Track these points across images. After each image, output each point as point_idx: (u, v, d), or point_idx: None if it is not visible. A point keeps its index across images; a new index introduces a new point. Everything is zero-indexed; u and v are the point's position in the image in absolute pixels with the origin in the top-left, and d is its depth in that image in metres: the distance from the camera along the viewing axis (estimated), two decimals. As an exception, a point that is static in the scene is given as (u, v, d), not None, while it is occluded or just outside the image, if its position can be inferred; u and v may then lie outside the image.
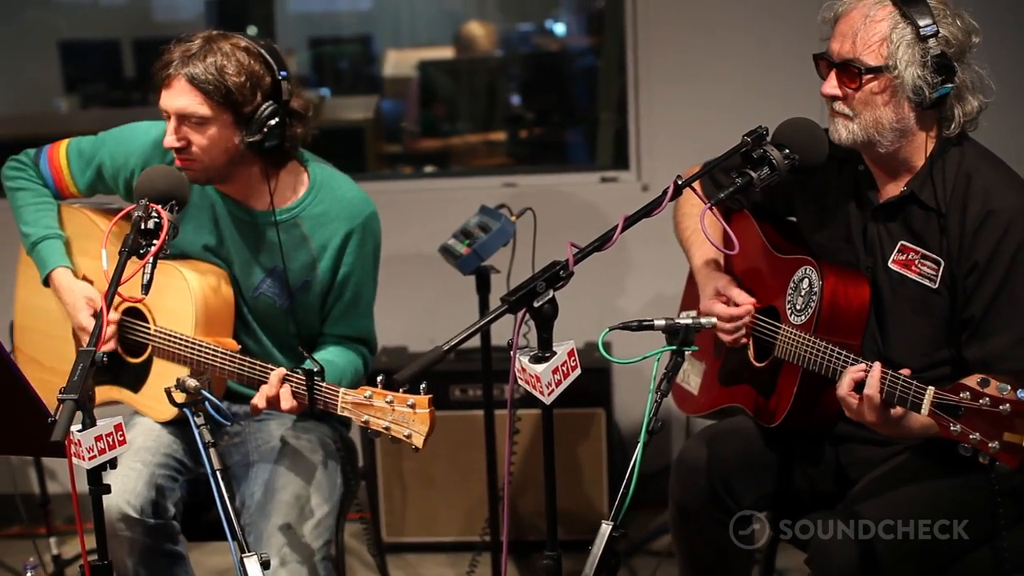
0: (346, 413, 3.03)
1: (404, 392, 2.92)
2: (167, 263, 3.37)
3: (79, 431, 2.66)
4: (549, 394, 2.61)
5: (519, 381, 2.68)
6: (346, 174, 3.54)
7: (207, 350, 3.30)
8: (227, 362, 3.27)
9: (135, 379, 3.48)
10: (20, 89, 8.11)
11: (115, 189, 3.54)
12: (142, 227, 2.98)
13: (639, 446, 2.67)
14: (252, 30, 7.27)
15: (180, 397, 3.00)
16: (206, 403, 2.95)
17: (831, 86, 2.99)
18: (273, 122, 3.27)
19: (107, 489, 2.74)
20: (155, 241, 2.96)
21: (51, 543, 4.55)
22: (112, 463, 2.72)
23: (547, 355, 2.61)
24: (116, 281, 2.84)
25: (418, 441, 2.93)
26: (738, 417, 3.31)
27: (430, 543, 4.86)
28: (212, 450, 2.92)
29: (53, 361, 3.64)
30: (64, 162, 3.58)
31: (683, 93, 5.02)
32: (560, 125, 6.89)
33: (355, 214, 3.45)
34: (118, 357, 3.48)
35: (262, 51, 3.28)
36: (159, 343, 3.39)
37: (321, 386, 3.10)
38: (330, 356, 3.46)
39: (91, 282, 3.53)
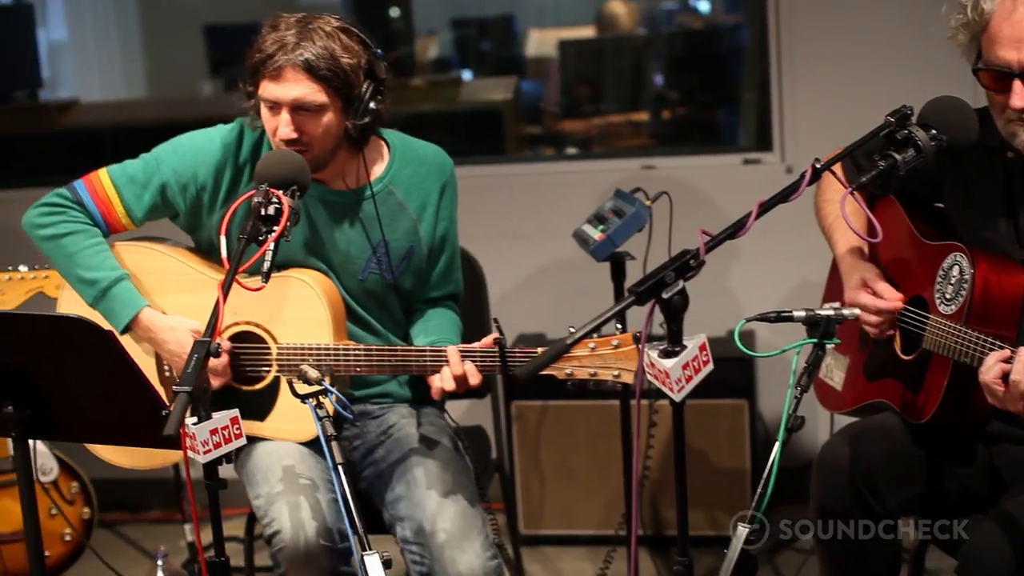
0: (547, 371, 2.90)
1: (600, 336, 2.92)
2: (276, 275, 3.20)
3: (194, 424, 2.59)
4: (679, 391, 2.47)
5: (648, 376, 2.54)
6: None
7: (354, 352, 3.18)
8: (385, 357, 3.16)
9: (259, 407, 3.29)
10: (165, 73, 8.19)
11: (179, 208, 3.34)
12: (262, 213, 2.90)
13: (777, 445, 2.52)
14: (395, 12, 7.22)
15: (303, 388, 2.93)
16: (328, 394, 2.89)
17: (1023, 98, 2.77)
18: (373, 104, 3.18)
19: (223, 484, 2.68)
20: (275, 228, 2.89)
21: (185, 530, 4.53)
22: (228, 457, 2.65)
23: (677, 349, 2.47)
24: (235, 267, 2.75)
25: (628, 378, 2.93)
26: (883, 414, 3.13)
27: (568, 536, 4.74)
28: (335, 444, 2.86)
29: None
30: (112, 192, 3.35)
31: (827, 72, 4.81)
32: (705, 105, 6.71)
33: (443, 168, 3.41)
34: (232, 389, 3.29)
35: (353, 29, 3.19)
36: (285, 364, 3.23)
37: (514, 352, 3.05)
38: (438, 322, 3.40)
39: None
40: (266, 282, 2.87)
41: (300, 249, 3.32)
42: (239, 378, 3.31)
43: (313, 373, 2.93)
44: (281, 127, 3.15)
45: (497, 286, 4.83)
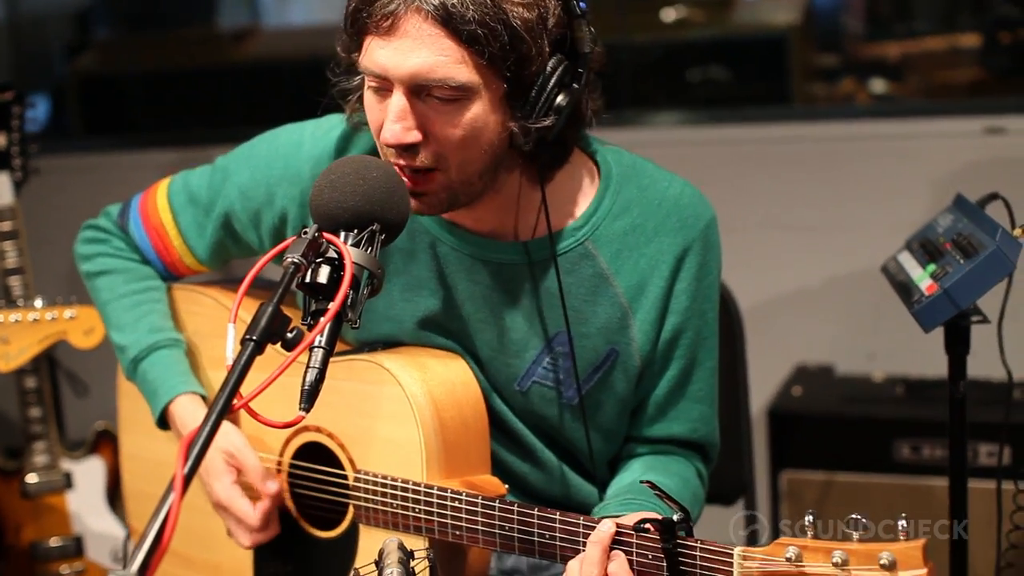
0: None
1: (862, 538, 1.59)
2: (361, 359, 2.01)
3: None
4: None
5: None
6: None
7: (453, 504, 1.90)
8: (497, 522, 1.87)
9: (335, 565, 2.06)
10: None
11: (257, 248, 2.12)
12: (306, 280, 1.61)
13: None
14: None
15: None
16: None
17: None
18: (562, 97, 1.81)
19: None
20: (328, 305, 1.59)
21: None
22: None
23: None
24: (234, 387, 1.50)
25: None
26: None
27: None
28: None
29: (191, 548, 2.24)
30: (168, 217, 2.17)
31: None
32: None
33: (689, 220, 2.00)
34: (297, 529, 2.10)
35: None
36: (364, 501, 1.99)
37: (692, 548, 1.70)
38: (657, 477, 2.01)
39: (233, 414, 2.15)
40: (306, 409, 1.57)
41: (415, 327, 2.06)
42: (309, 514, 2.10)
43: (391, 561, 1.68)
44: (388, 122, 1.81)
45: (762, 294, 3.73)
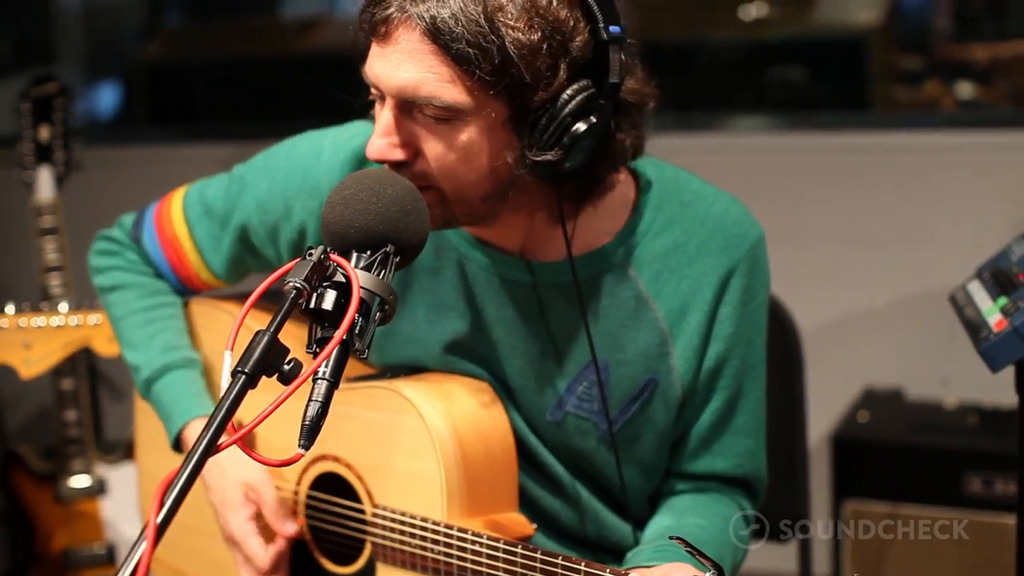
0: None
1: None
2: (381, 386, 1.88)
3: None
4: None
5: None
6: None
7: (473, 547, 1.76)
8: (520, 569, 1.72)
9: None
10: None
11: (276, 262, 1.98)
12: (310, 305, 1.48)
13: None
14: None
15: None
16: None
17: None
18: (582, 127, 1.65)
19: None
20: (332, 333, 1.46)
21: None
22: None
23: None
24: (220, 425, 1.37)
25: None
26: None
27: None
28: None
29: (198, 569, 2.14)
30: (183, 229, 2.04)
31: None
32: None
33: (734, 239, 1.84)
34: (312, 562, 1.98)
35: None
36: (381, 539, 1.87)
37: None
38: (696, 521, 1.88)
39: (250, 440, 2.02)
40: (306, 447, 1.44)
41: (441, 352, 1.92)
42: (327, 549, 1.97)
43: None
44: (374, 135, 1.70)
45: (831, 311, 3.59)
